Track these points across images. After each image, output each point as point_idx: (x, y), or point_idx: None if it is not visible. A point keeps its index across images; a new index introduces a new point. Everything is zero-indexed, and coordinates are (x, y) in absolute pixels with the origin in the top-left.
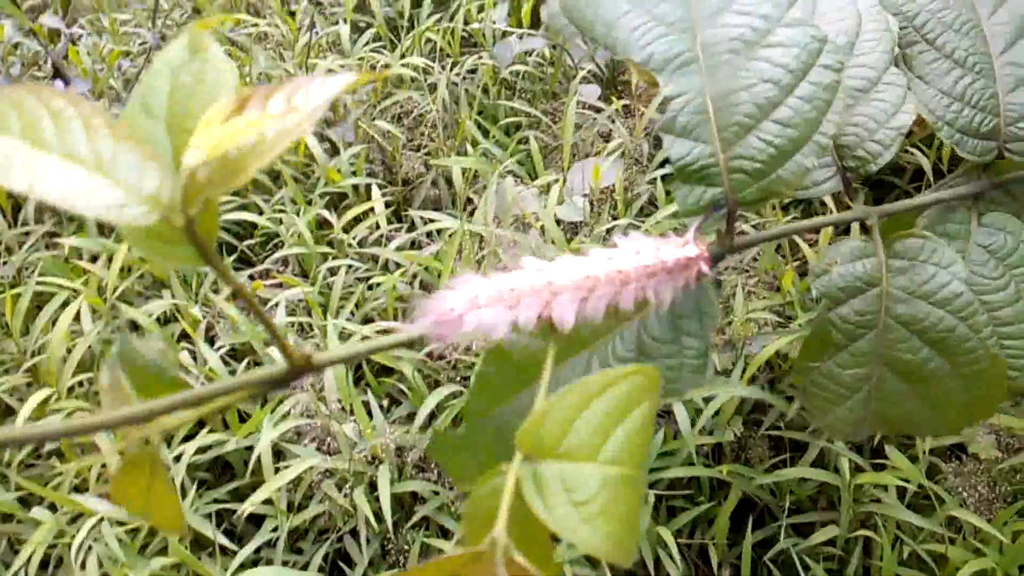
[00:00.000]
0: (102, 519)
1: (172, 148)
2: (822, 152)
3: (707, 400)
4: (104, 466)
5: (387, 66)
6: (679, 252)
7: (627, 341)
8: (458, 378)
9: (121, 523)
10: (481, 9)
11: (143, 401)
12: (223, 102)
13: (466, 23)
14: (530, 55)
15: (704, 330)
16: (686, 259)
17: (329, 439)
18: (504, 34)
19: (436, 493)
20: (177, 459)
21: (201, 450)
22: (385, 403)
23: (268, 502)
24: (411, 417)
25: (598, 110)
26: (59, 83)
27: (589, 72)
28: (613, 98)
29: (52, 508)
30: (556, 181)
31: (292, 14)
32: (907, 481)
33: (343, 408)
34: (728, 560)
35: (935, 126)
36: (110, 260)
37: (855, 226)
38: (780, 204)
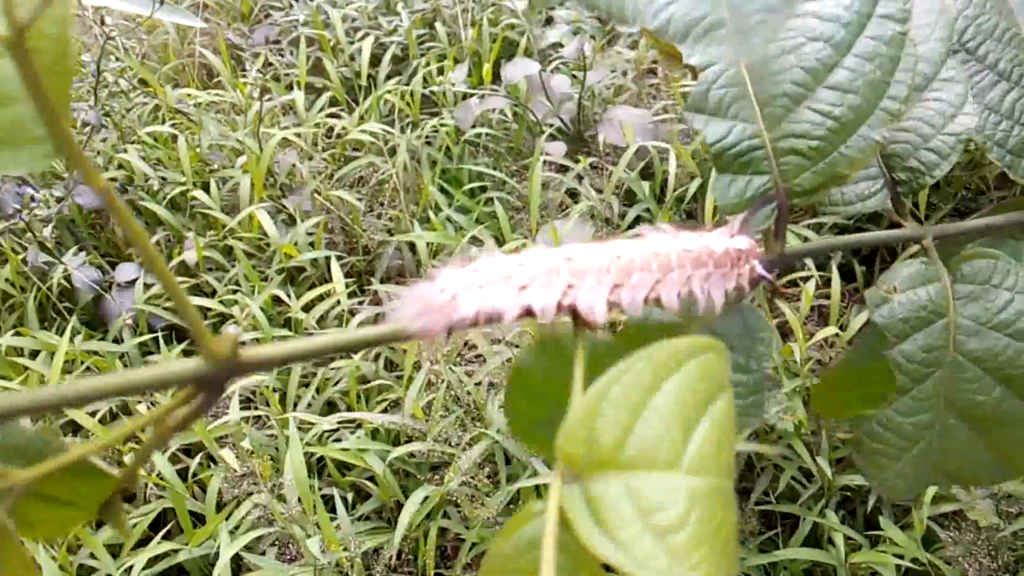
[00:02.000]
0: None
1: None
2: (892, 120)
3: None
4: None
5: (345, 130)
6: (728, 242)
7: None
8: (429, 466)
9: None
10: (441, 71)
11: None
12: None
13: (425, 84)
14: (493, 113)
15: (759, 359)
16: (736, 251)
17: (291, 543)
18: (465, 95)
19: None
20: (127, 572)
21: (154, 560)
22: (350, 496)
23: None
24: (380, 512)
25: (565, 169)
26: None
27: (555, 129)
28: (580, 156)
29: None
30: (524, 245)
31: (243, 75)
32: (901, 557)
33: (304, 510)
34: None
35: (984, 147)
36: (51, 356)
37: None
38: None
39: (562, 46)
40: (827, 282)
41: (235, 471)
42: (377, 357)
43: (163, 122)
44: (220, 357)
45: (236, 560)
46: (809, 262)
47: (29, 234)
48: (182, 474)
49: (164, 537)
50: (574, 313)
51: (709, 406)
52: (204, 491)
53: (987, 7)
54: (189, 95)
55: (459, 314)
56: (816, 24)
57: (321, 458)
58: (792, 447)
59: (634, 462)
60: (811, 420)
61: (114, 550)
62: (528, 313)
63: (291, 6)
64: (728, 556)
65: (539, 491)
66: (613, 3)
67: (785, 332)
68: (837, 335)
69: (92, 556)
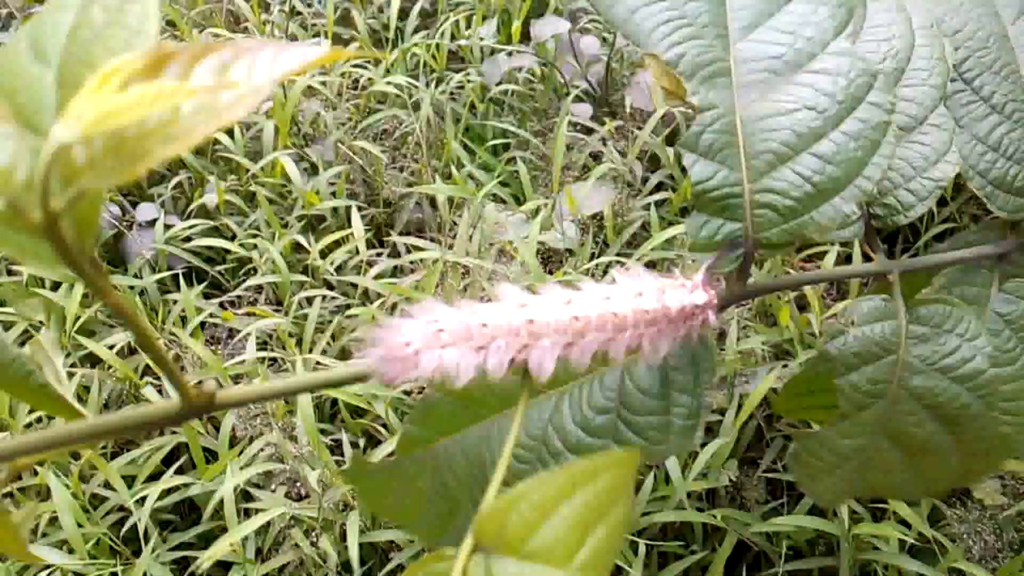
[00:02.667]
0: (55, 570)
1: (60, 105)
2: (863, 198)
3: (702, 444)
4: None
5: (370, 81)
6: (686, 298)
7: (607, 388)
8: None
9: (78, 574)
10: (469, 24)
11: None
12: (130, 57)
13: (453, 38)
14: (520, 72)
15: (698, 387)
16: (692, 307)
17: (299, 483)
18: (493, 51)
19: (412, 541)
20: (140, 502)
21: (165, 492)
22: (362, 442)
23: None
24: (392, 456)
25: (590, 131)
26: None
27: (581, 91)
28: (606, 119)
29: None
30: (544, 205)
31: (271, 23)
32: (908, 526)
33: (313, 451)
34: None
35: (966, 175)
36: (72, 288)
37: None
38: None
39: (589, 10)
40: (847, 258)
41: (248, 408)
42: (394, 307)
43: None
44: (197, 403)
45: (246, 497)
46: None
47: None
48: None
49: (176, 473)
50: (523, 369)
51: (607, 515)
52: (218, 430)
53: (990, 42)
54: (217, 35)
55: (418, 371)
56: (812, 95)
57: (335, 403)
58: (803, 418)
59: (534, 554)
60: None
61: (127, 482)
62: (480, 369)
63: None
64: None
65: None
66: (631, 28)
67: (803, 304)
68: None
69: (106, 486)
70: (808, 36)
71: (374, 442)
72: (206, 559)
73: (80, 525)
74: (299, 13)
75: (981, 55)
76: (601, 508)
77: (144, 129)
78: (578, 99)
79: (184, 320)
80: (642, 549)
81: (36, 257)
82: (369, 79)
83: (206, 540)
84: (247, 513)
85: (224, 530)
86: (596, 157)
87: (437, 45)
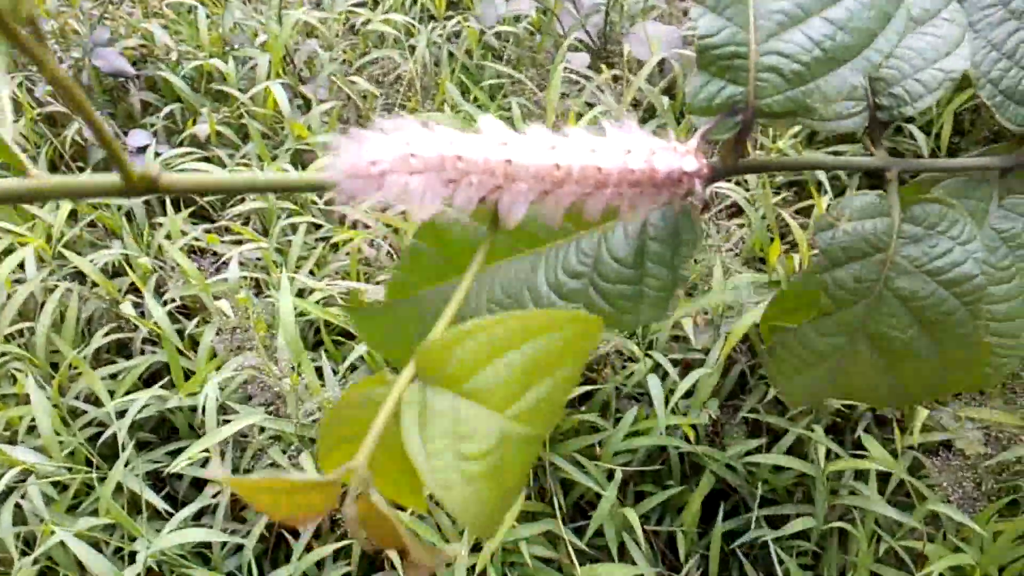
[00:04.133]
0: (29, 473)
1: None
2: (872, 71)
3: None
4: (34, 419)
5: (367, 22)
6: (676, 162)
7: (583, 253)
8: None
9: (50, 478)
10: None
11: None
12: None
13: None
14: (518, 20)
15: (677, 259)
16: (681, 173)
17: (278, 402)
18: None
19: None
20: (121, 414)
21: (141, 408)
22: (341, 370)
23: (207, 464)
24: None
25: (586, 79)
26: None
27: (579, 41)
28: (603, 67)
29: None
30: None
31: None
32: (887, 470)
33: (295, 368)
34: (697, 551)
35: (976, 82)
36: (58, 206)
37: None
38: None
39: None
40: (842, 192)
41: (229, 320)
42: (384, 240)
43: None
44: (139, 183)
45: (224, 413)
46: (822, 178)
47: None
48: (180, 333)
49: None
50: (492, 211)
51: (555, 371)
52: (196, 352)
53: None
54: None
55: (381, 193)
56: None
57: (317, 331)
58: None
59: (472, 393)
60: None
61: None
62: (446, 202)
63: None
64: (509, 496)
65: None
66: None
67: (791, 249)
68: None
69: (84, 399)
70: None
71: (356, 370)
72: (186, 458)
73: (57, 434)
74: None
75: None
76: (550, 363)
77: None
78: (576, 48)
79: (169, 238)
80: (617, 477)
81: None
82: (366, 19)
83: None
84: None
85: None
86: (591, 106)
87: None
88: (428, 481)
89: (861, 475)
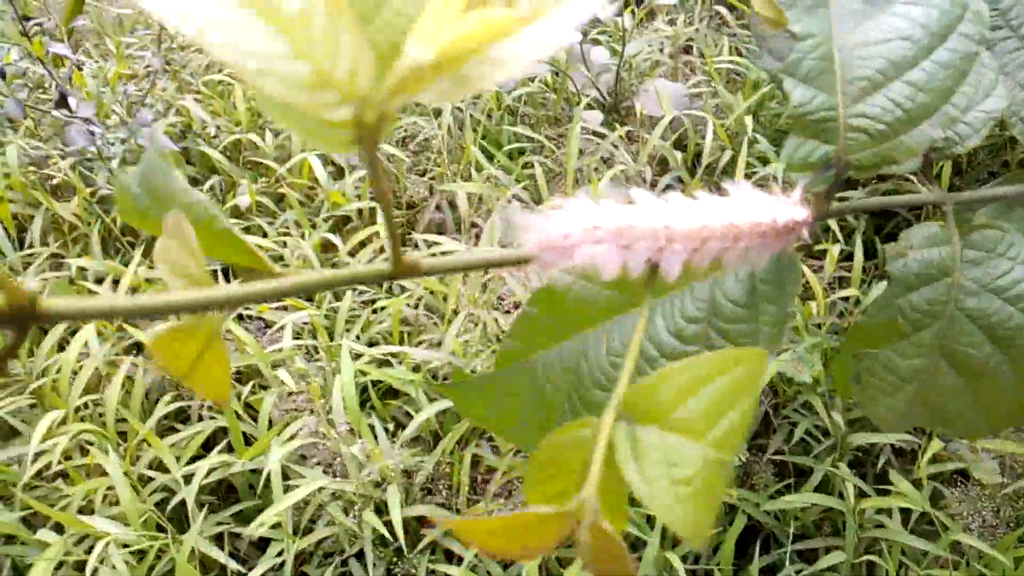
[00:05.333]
0: (109, 542)
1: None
2: (949, 124)
3: None
4: (111, 488)
5: None
6: (789, 213)
7: (698, 299)
8: None
9: (127, 546)
10: None
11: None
12: None
13: None
14: (533, 81)
15: (783, 296)
16: (794, 222)
17: (336, 462)
18: None
19: (454, 511)
20: (187, 480)
21: (206, 473)
22: (391, 427)
23: (275, 525)
24: (416, 440)
25: (601, 136)
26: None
27: (592, 99)
28: (616, 124)
29: (58, 529)
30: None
31: None
32: (911, 506)
33: (351, 431)
34: None
35: (1008, 120)
36: (116, 282)
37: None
38: None
39: (600, 22)
40: (850, 256)
41: (288, 390)
42: (419, 300)
43: (219, 72)
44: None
45: (284, 477)
46: (835, 227)
47: (95, 169)
48: (237, 397)
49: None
50: (652, 270)
51: (739, 403)
52: (253, 420)
53: None
54: None
55: (573, 262)
56: (907, 25)
57: (364, 390)
58: (809, 402)
59: (675, 426)
60: (828, 377)
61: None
62: (623, 267)
63: None
64: (712, 510)
65: None
66: None
67: (807, 296)
68: (858, 300)
69: (150, 467)
70: None
71: (401, 427)
72: (257, 525)
73: None
74: None
75: None
76: (736, 394)
77: (480, 54)
78: (588, 107)
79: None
80: (658, 525)
81: (329, 141)
82: None
83: (244, 521)
84: (286, 492)
85: (260, 509)
86: (607, 161)
87: None
88: (649, 504)
89: (884, 508)
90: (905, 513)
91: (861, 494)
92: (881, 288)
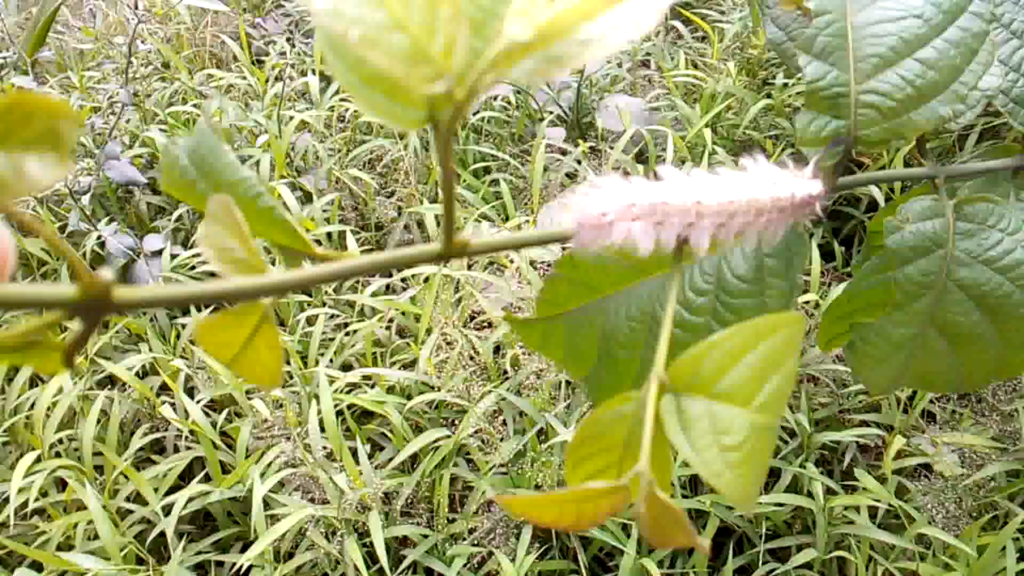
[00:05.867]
0: None
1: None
2: (958, 102)
3: None
4: (91, 522)
5: (356, 114)
6: (805, 187)
7: (705, 273)
8: (441, 420)
9: None
10: None
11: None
12: None
13: None
14: (495, 100)
15: (791, 271)
16: (809, 196)
17: (314, 487)
18: None
19: (425, 536)
20: (166, 511)
21: (184, 503)
22: (367, 448)
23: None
24: (391, 462)
25: (565, 152)
26: None
27: (554, 116)
28: (579, 140)
29: (36, 568)
30: (527, 222)
31: (257, 63)
32: (878, 501)
33: (329, 455)
34: None
35: (993, 96)
36: None
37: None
38: None
39: None
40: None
41: (264, 420)
42: (391, 322)
43: (184, 103)
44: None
45: (265, 505)
46: None
47: (65, 204)
48: (213, 426)
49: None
50: (681, 243)
51: (781, 366)
52: (229, 447)
53: None
54: (211, 75)
55: (611, 239)
56: (919, 4)
57: (340, 413)
58: None
59: (720, 394)
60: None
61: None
62: (656, 242)
63: None
64: (761, 475)
65: (544, 436)
66: None
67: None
68: (818, 303)
69: (128, 499)
70: None
71: (378, 447)
72: (242, 558)
73: None
74: (283, 52)
75: None
76: (777, 359)
77: (572, 35)
78: (551, 124)
79: (194, 342)
80: (634, 532)
81: (402, 119)
82: (355, 112)
83: (222, 549)
84: (268, 520)
85: (239, 537)
86: (571, 176)
87: None
88: (701, 472)
89: (852, 504)
90: (873, 508)
91: (829, 492)
92: (838, 290)
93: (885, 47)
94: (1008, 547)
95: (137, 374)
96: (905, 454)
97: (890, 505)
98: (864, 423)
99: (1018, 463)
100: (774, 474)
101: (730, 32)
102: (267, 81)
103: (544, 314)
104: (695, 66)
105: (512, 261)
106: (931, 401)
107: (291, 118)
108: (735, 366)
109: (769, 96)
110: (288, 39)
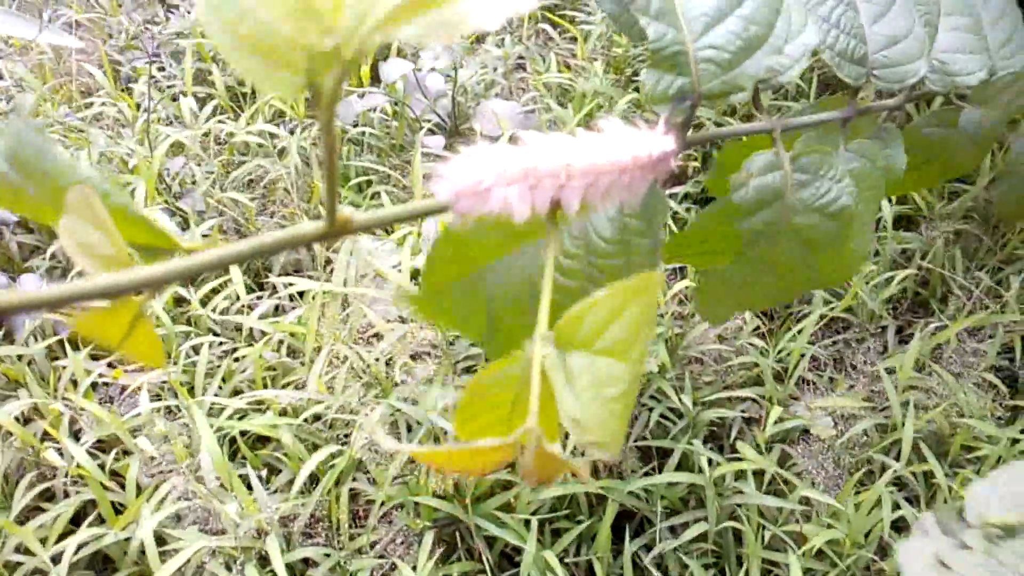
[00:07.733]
0: None
1: None
2: (777, 52)
3: None
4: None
5: (231, 135)
6: (660, 144)
7: (574, 236)
8: (336, 437)
9: None
10: None
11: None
12: None
13: None
14: (374, 112)
15: (652, 228)
16: (664, 153)
17: (210, 518)
18: (346, 94)
19: (328, 555)
20: (56, 560)
21: (79, 546)
22: (264, 473)
23: None
24: (291, 484)
25: (444, 160)
26: None
27: (433, 124)
28: (459, 147)
29: None
30: (411, 232)
31: (126, 90)
32: (763, 471)
33: (222, 485)
34: (614, 571)
35: (820, 49)
36: None
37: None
38: None
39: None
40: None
41: (151, 457)
42: (280, 344)
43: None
44: (339, 224)
45: (159, 542)
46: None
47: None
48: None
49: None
50: (555, 206)
51: (647, 323)
52: (121, 487)
53: None
54: (73, 105)
55: (489, 206)
56: None
57: (233, 441)
58: (661, 388)
59: (600, 351)
60: (675, 364)
61: (41, 540)
62: (532, 207)
63: (167, 20)
64: (627, 423)
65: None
66: None
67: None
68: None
69: (16, 551)
70: None
71: (276, 471)
72: None
73: None
74: (153, 77)
75: None
76: (645, 316)
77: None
78: (431, 132)
79: (75, 383)
80: (534, 527)
81: (284, 86)
82: (229, 133)
83: None
84: (164, 556)
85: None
86: None
87: None
88: (588, 422)
89: (742, 475)
90: (760, 477)
91: (718, 466)
92: None
93: (709, 6)
94: (884, 498)
95: (19, 420)
96: (786, 420)
97: (776, 473)
98: (749, 399)
99: (885, 418)
100: (665, 454)
101: (595, 33)
102: (138, 107)
103: (431, 289)
104: (567, 67)
105: (400, 271)
106: (808, 370)
107: (166, 136)
108: (613, 324)
109: (636, 91)
110: (155, 63)
